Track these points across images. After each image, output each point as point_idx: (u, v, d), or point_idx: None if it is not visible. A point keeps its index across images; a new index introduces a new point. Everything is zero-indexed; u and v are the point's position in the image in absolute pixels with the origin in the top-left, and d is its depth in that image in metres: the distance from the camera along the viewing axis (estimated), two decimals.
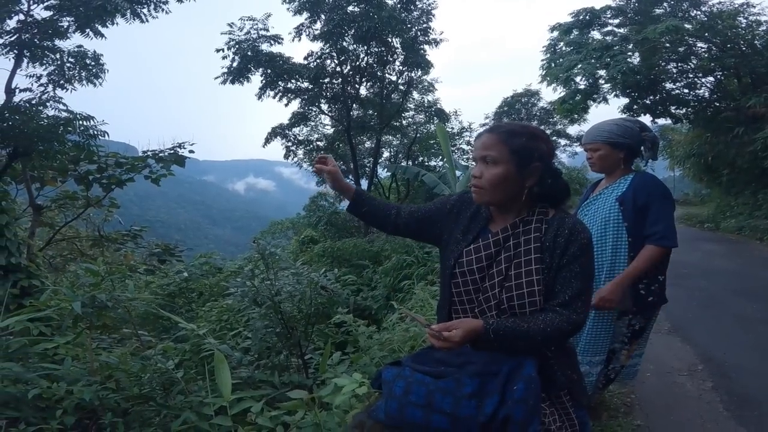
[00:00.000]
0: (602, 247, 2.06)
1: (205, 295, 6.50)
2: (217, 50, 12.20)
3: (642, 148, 2.11)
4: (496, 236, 1.23)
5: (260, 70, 12.54)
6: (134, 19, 7.89)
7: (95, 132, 6.37)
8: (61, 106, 6.55)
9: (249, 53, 12.07)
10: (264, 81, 12.85)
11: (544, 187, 1.21)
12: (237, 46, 12.06)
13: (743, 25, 10.77)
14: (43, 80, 7.23)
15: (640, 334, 2.12)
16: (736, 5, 10.84)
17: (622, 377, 2.27)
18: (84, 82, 7.60)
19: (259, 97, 13.26)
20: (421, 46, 12.68)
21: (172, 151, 3.73)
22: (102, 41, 7.62)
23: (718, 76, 12.25)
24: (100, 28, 7.43)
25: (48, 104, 6.56)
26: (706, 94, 12.64)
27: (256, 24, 12.10)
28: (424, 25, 12.55)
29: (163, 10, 8.51)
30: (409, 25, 12.24)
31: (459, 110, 17.09)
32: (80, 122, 6.23)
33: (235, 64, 12.23)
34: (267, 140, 14.95)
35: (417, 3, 12.31)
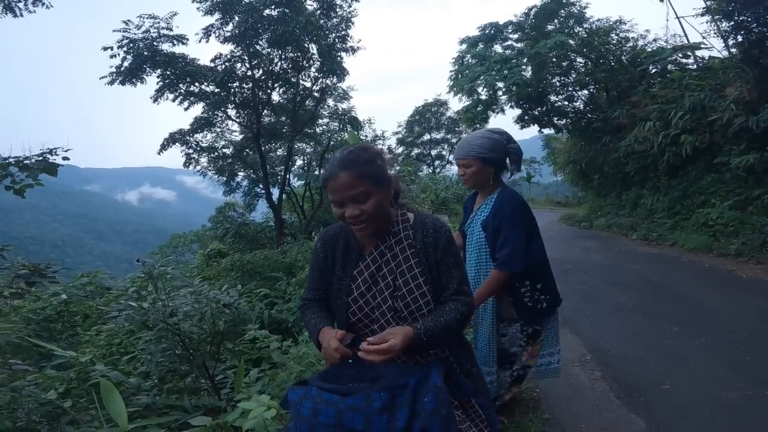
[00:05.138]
0: (476, 273, 2.10)
1: (92, 317, 5.78)
2: (104, 48, 10.90)
3: (507, 160, 2.09)
4: (372, 255, 1.31)
5: (158, 71, 11.49)
6: (6, 14, 6.88)
7: None
8: None
9: (145, 53, 10.99)
10: (162, 83, 11.79)
11: (397, 191, 1.36)
12: (131, 44, 10.90)
13: (614, 42, 12.31)
14: None
15: (536, 337, 2.15)
16: (611, 22, 12.46)
17: (544, 375, 2.29)
18: None
19: (155, 100, 12.13)
20: (338, 53, 12.61)
21: (40, 158, 3.18)
22: None
23: (591, 90, 13.92)
24: None
25: None
26: (581, 106, 14.33)
27: (158, 22, 11.08)
28: (343, 33, 12.48)
29: (43, 4, 7.54)
30: (327, 32, 12.10)
31: (373, 118, 17.48)
32: None
33: (126, 64, 11.02)
34: (163, 147, 13.57)
35: (337, 10, 12.24)
